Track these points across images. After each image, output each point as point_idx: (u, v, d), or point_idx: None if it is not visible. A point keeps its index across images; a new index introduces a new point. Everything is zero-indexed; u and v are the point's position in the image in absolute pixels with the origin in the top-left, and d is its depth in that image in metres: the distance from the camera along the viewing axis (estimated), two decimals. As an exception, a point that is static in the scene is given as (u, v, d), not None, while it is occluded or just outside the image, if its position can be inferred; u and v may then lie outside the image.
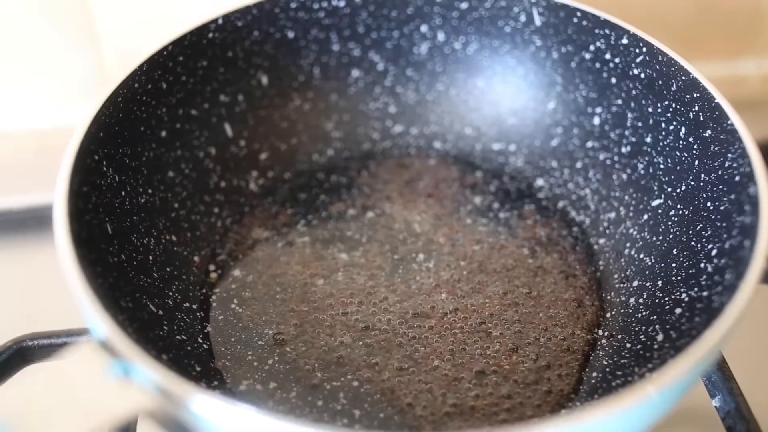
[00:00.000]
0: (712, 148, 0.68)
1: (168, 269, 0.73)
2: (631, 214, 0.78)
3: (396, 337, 0.71)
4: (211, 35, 0.81)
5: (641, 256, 0.75)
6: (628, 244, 0.77)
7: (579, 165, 0.85)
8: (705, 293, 0.63)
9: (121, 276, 0.65)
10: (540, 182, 0.87)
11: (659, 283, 0.71)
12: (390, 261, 0.79)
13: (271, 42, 0.86)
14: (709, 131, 0.69)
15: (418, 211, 0.84)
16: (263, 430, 0.45)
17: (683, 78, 0.71)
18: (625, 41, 0.77)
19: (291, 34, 0.87)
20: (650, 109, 0.76)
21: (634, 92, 0.78)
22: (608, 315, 0.73)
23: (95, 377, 0.48)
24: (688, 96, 0.71)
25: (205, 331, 0.72)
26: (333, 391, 0.67)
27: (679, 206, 0.72)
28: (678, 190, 0.72)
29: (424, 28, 0.89)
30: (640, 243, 0.75)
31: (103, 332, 0.50)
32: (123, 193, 0.71)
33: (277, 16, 0.85)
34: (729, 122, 0.66)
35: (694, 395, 0.71)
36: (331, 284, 0.76)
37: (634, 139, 0.79)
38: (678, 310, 0.66)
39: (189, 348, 0.68)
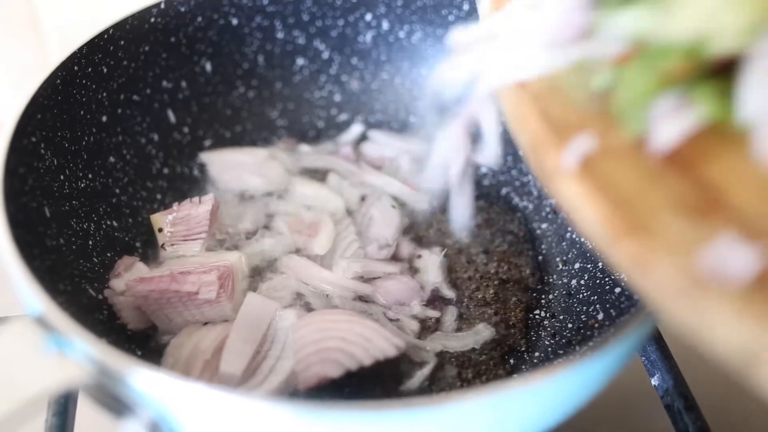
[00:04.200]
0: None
1: (109, 254, 0.72)
2: (572, 198, 0.79)
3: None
4: (153, 20, 0.80)
5: (582, 239, 0.76)
6: (569, 228, 0.78)
7: (522, 152, 0.85)
8: (643, 271, 0.65)
9: (60, 259, 0.64)
10: (484, 169, 0.88)
11: (600, 264, 0.72)
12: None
13: (215, 28, 0.86)
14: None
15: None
16: (204, 401, 0.45)
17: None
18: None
19: (235, 21, 0.87)
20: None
21: (574, 79, 0.79)
22: (550, 297, 0.74)
23: (29, 353, 0.47)
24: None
25: (147, 316, 0.71)
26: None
27: (618, 189, 0.73)
28: (617, 174, 0.73)
29: (368, 17, 0.90)
30: (582, 226, 0.76)
31: (39, 309, 0.49)
32: (62, 176, 0.69)
33: (221, 3, 0.85)
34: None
35: (634, 378, 0.73)
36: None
37: (575, 126, 0.80)
38: (617, 290, 0.68)
39: (130, 332, 0.67)
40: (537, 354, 0.69)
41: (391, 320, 0.70)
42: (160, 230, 0.74)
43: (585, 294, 0.71)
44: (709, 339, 0.34)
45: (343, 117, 0.93)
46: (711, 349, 0.35)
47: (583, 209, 0.40)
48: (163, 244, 0.74)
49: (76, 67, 0.73)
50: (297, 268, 0.73)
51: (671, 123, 0.40)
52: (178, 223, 0.74)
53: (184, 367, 0.63)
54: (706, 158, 0.40)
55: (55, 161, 0.69)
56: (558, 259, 0.77)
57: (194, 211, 0.75)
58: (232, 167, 0.84)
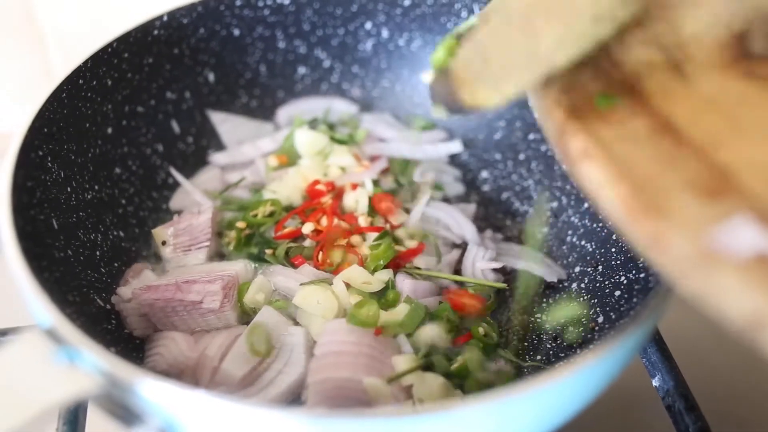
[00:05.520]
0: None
1: (116, 264, 0.73)
2: (572, 203, 0.80)
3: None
4: (156, 32, 0.82)
5: (582, 242, 0.77)
6: (570, 232, 0.79)
7: (522, 157, 0.87)
8: (642, 275, 0.66)
9: (68, 271, 0.65)
10: (484, 174, 0.89)
11: (600, 267, 0.73)
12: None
13: (217, 39, 0.87)
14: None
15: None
16: (213, 412, 0.46)
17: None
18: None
19: (237, 32, 0.88)
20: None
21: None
22: (551, 300, 0.75)
23: (40, 365, 0.48)
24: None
25: (155, 325, 0.72)
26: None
27: (617, 193, 0.74)
28: (616, 178, 0.74)
29: (368, 25, 0.91)
30: (582, 230, 0.77)
31: (49, 321, 0.50)
32: (69, 189, 0.71)
33: (223, 14, 0.86)
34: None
35: (635, 379, 0.73)
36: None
37: (574, 130, 0.81)
38: (617, 293, 0.68)
39: (138, 341, 0.68)
40: (538, 357, 0.70)
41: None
42: (164, 243, 0.75)
43: (585, 297, 0.72)
44: (720, 308, 0.38)
45: (344, 124, 0.94)
46: (721, 317, 0.38)
47: (604, 192, 0.43)
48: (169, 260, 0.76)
49: (81, 81, 0.74)
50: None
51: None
52: (180, 234, 0.75)
53: (192, 375, 0.64)
54: (720, 143, 0.43)
55: (62, 174, 0.70)
56: (558, 263, 0.78)
57: (195, 221, 0.76)
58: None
